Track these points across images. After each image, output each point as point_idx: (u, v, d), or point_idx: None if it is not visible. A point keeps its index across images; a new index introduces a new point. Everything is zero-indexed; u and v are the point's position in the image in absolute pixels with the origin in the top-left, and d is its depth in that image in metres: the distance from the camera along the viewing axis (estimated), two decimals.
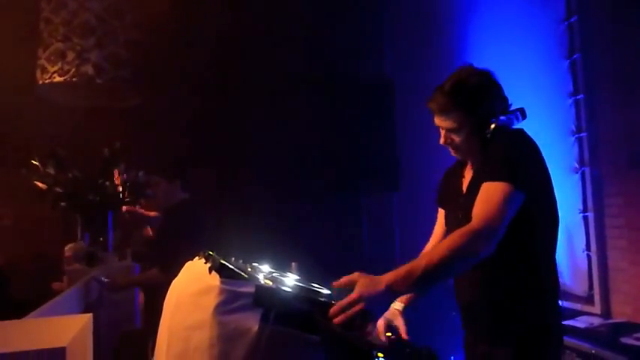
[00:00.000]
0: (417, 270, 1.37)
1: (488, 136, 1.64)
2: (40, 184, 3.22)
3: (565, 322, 2.78)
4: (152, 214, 3.93)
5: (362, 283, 1.36)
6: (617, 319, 2.93)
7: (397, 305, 1.74)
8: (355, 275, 1.42)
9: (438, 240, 1.89)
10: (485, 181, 1.52)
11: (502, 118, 1.66)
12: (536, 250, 1.64)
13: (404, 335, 1.63)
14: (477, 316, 1.71)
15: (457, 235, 1.43)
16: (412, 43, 5.23)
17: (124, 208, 3.64)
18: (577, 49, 3.29)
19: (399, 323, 1.67)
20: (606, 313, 3.05)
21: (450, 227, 1.84)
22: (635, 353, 2.33)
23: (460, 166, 1.85)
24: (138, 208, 3.79)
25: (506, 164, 1.53)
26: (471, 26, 4.34)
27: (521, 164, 1.54)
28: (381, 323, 1.69)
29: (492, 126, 1.63)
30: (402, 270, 1.39)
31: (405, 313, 1.73)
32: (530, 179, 1.54)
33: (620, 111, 3.03)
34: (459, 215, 1.72)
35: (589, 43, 3.23)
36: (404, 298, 1.76)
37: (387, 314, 1.71)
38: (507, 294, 1.63)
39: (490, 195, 1.49)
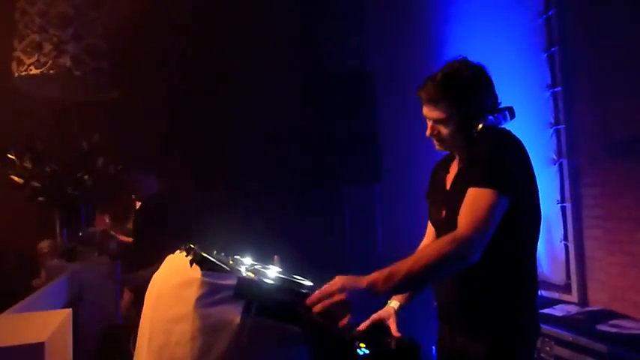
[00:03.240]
0: (398, 273, 1.37)
1: (475, 135, 1.63)
2: (16, 179, 3.17)
3: (543, 311, 2.83)
4: None
5: (344, 277, 1.36)
6: (594, 307, 2.99)
7: (393, 304, 1.73)
8: (335, 278, 1.41)
9: (433, 235, 1.86)
10: (471, 186, 1.52)
11: (490, 117, 1.65)
12: (517, 248, 1.64)
13: (394, 334, 1.63)
14: (455, 309, 1.72)
15: (443, 242, 1.44)
16: (393, 34, 5.24)
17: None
18: (555, 42, 3.33)
19: (392, 322, 1.66)
20: (583, 301, 3.11)
21: (432, 221, 1.83)
22: (610, 340, 2.38)
23: (449, 161, 1.84)
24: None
25: (492, 170, 1.52)
26: (451, 18, 4.36)
27: (506, 169, 1.54)
28: (373, 318, 1.66)
29: (480, 126, 1.63)
30: (384, 271, 1.39)
31: (399, 312, 1.73)
32: (515, 184, 1.54)
33: (597, 103, 3.08)
34: (441, 211, 1.72)
35: (567, 36, 3.27)
36: (400, 297, 1.75)
37: (381, 312, 1.70)
38: (485, 290, 1.64)
39: (477, 202, 1.49)
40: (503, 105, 1.72)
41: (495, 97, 1.71)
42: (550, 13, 3.36)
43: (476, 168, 1.57)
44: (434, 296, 1.81)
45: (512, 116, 1.71)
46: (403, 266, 1.39)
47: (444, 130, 1.67)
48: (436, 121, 1.68)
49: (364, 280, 1.36)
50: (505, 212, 1.51)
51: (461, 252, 1.42)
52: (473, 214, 1.47)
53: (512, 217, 1.53)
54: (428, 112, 1.69)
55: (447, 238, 1.45)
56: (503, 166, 1.54)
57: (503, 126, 1.70)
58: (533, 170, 1.64)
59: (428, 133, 1.72)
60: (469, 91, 1.63)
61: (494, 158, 1.55)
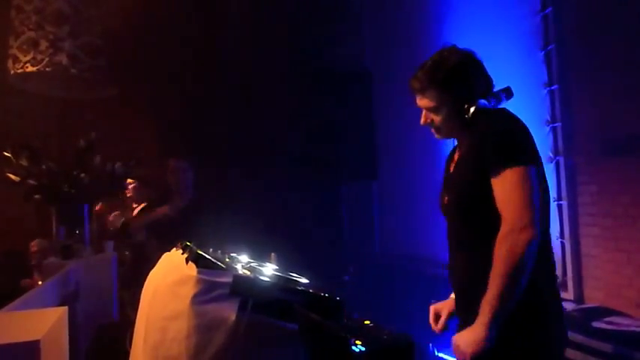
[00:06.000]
0: (495, 307, 1.40)
1: (468, 119, 1.61)
2: (12, 177, 3.16)
3: None
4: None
5: (464, 342, 1.44)
6: (590, 304, 3.00)
7: (454, 295, 1.77)
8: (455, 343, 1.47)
9: None
10: (492, 175, 1.49)
11: (482, 101, 1.63)
12: None
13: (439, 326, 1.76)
14: (469, 301, 1.70)
15: (500, 248, 1.42)
16: (390, 34, 5.24)
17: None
18: (552, 41, 3.33)
19: (444, 314, 1.76)
20: (579, 298, 3.12)
21: (439, 207, 1.79)
22: (606, 337, 2.39)
23: (456, 149, 1.81)
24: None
25: (502, 149, 1.49)
26: (448, 17, 4.36)
27: (515, 142, 1.51)
28: (432, 309, 1.79)
29: (472, 109, 1.61)
30: (486, 317, 1.41)
31: None
32: (530, 151, 1.52)
33: (593, 101, 3.09)
34: (445, 197, 1.70)
35: (563, 34, 3.28)
36: None
37: (442, 303, 1.79)
38: (484, 282, 1.62)
39: (503, 189, 1.46)
40: (499, 88, 1.70)
41: (488, 80, 1.69)
42: (547, 11, 3.36)
43: (485, 155, 1.52)
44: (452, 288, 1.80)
45: (509, 96, 1.69)
46: (493, 296, 1.41)
47: (437, 118, 1.68)
48: (428, 110, 1.69)
49: (481, 337, 1.40)
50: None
51: (519, 243, 1.39)
52: (507, 202, 1.45)
53: None
54: (419, 101, 1.70)
55: (498, 245, 1.43)
56: (511, 140, 1.51)
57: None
58: (534, 143, 1.60)
59: (422, 121, 1.72)
60: (456, 77, 1.63)
61: (499, 139, 1.51)
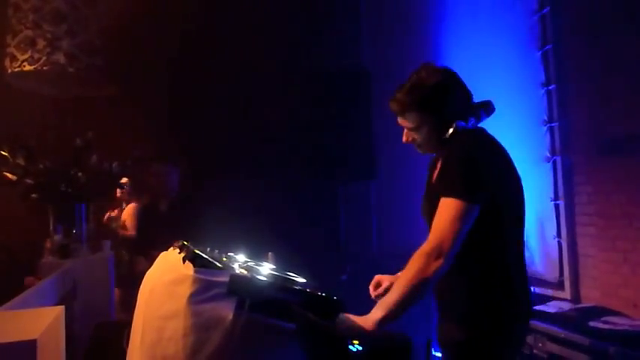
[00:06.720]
0: (391, 308, 1.45)
1: (447, 138, 1.66)
2: (9, 176, 3.15)
3: (536, 307, 2.84)
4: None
5: (350, 328, 1.43)
6: (586, 303, 3.01)
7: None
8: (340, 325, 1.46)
9: None
10: (442, 195, 1.55)
11: (460, 123, 1.66)
12: (496, 248, 1.64)
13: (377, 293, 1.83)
14: (445, 307, 1.75)
15: (413, 260, 1.49)
16: (389, 33, 5.25)
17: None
18: (549, 41, 3.34)
19: (385, 284, 1.83)
20: (576, 298, 3.13)
21: (422, 215, 1.84)
22: (602, 336, 2.40)
23: (438, 158, 1.85)
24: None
25: (460, 178, 1.54)
26: (447, 17, 4.37)
27: (474, 177, 1.54)
28: (376, 277, 1.89)
29: (450, 130, 1.66)
30: (379, 312, 1.45)
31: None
32: (485, 189, 1.55)
33: (591, 101, 3.10)
34: (426, 207, 1.73)
35: (561, 34, 3.29)
36: None
37: (387, 275, 1.86)
38: (467, 286, 1.65)
39: (443, 213, 1.53)
40: (482, 99, 1.73)
41: (467, 95, 1.73)
42: (544, 11, 3.37)
43: (444, 177, 1.59)
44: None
45: (489, 113, 1.73)
46: (393, 300, 1.46)
47: (418, 137, 1.74)
48: (409, 130, 1.75)
49: (370, 324, 1.43)
50: (482, 214, 1.54)
51: (426, 268, 1.46)
52: (437, 227, 1.52)
53: (490, 217, 1.56)
54: (400, 121, 1.76)
55: (414, 257, 1.49)
56: (471, 173, 1.55)
57: (482, 122, 1.73)
58: (509, 167, 1.66)
59: (403, 140, 1.79)
60: (434, 98, 1.67)
61: (462, 166, 1.56)
